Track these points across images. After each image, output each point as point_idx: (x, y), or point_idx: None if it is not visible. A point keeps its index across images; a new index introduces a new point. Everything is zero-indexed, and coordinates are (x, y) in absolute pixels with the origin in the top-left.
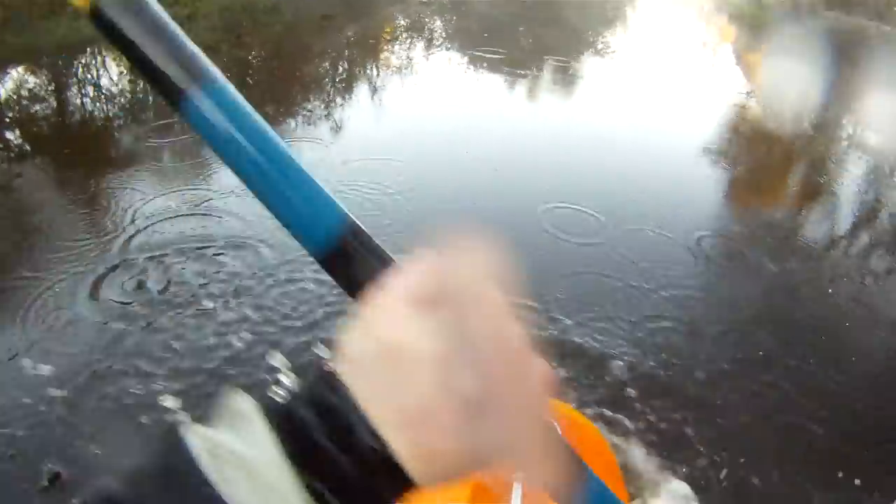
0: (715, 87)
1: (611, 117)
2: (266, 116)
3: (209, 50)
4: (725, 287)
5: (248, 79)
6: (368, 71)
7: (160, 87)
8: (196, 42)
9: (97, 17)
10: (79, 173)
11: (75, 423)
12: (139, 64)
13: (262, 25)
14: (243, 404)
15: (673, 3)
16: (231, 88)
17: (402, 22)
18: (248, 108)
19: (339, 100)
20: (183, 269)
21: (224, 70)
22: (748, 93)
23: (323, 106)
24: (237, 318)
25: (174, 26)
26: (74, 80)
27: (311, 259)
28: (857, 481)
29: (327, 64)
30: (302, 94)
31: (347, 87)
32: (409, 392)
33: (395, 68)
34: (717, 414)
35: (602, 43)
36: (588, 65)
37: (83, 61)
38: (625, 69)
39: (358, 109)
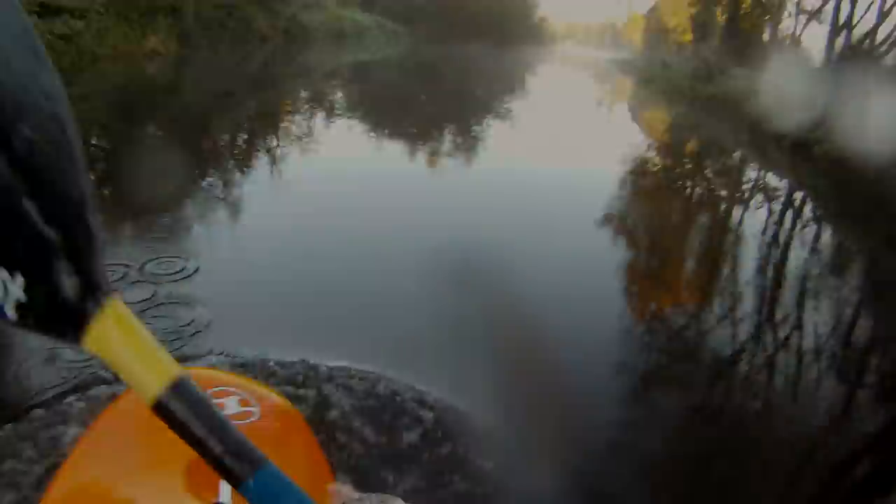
0: (612, 147)
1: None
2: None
3: (101, 127)
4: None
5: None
6: (263, 147)
7: (221, 473)
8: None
9: (159, 409)
10: None
11: None
12: (199, 452)
13: (160, 105)
14: None
15: (573, 66)
16: (278, 472)
17: (304, 94)
18: (294, 487)
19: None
20: None
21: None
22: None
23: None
24: None
25: (230, 424)
26: None
27: None
28: None
29: (226, 139)
30: (197, 172)
31: (233, 169)
32: None
33: (289, 142)
34: None
35: (504, 110)
36: (486, 136)
37: None
38: (521, 142)
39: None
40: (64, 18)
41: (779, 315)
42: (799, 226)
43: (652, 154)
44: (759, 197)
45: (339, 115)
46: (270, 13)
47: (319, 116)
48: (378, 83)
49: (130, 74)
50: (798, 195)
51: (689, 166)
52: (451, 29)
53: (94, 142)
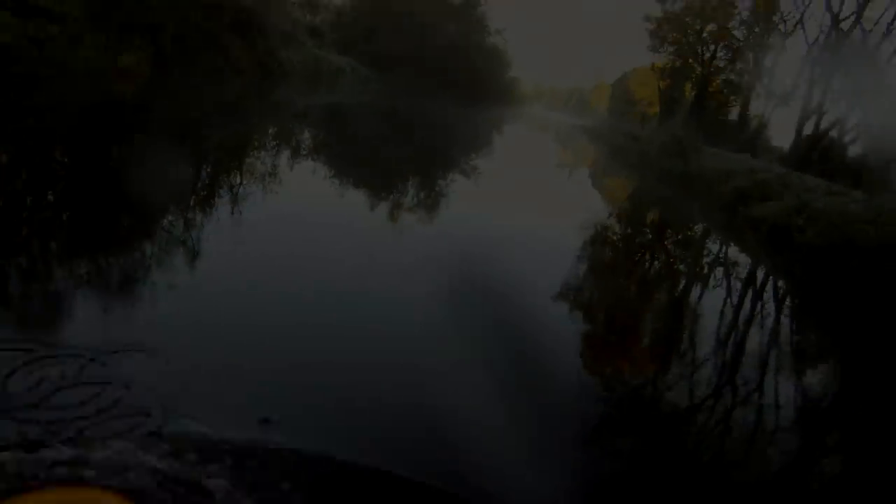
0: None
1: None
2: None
3: (60, 144)
4: None
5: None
6: (220, 185)
7: None
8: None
9: None
10: None
11: None
12: None
13: (124, 133)
14: None
15: (540, 129)
16: None
17: (271, 131)
18: None
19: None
20: None
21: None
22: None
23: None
24: None
25: None
26: None
27: None
28: None
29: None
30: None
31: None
32: None
33: (251, 180)
34: None
35: (469, 167)
36: (448, 192)
37: None
38: (485, 203)
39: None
40: (40, 22)
41: (738, 384)
42: (772, 312)
43: (616, 226)
44: (734, 279)
45: (303, 160)
46: (249, 45)
47: (284, 160)
48: (341, 130)
49: (99, 92)
50: (771, 280)
51: (659, 241)
52: (423, 80)
53: (55, 156)
